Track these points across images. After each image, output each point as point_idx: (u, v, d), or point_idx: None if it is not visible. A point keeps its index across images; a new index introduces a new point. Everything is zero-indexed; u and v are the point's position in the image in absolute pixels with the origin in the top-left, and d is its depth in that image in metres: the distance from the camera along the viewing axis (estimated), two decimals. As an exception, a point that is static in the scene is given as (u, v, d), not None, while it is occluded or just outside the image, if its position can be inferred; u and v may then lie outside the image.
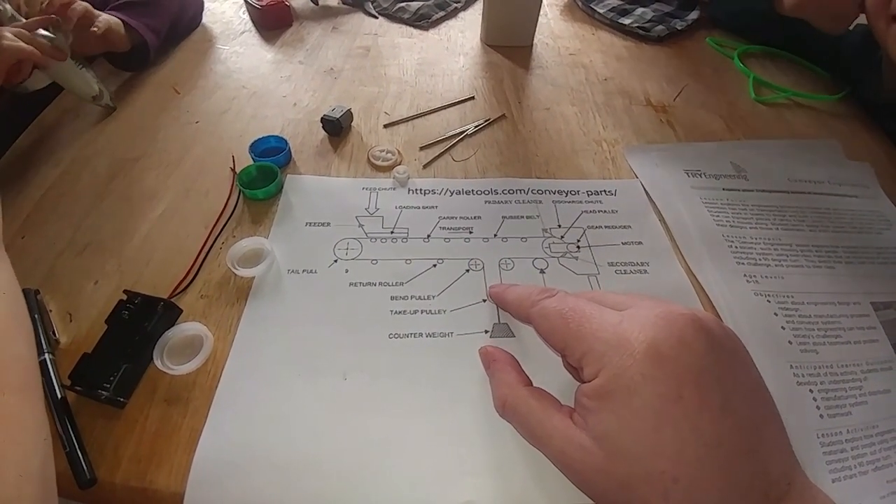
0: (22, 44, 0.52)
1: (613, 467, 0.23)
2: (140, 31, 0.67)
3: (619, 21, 0.85)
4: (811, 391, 0.38)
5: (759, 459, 0.22)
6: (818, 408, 0.37)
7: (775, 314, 0.42)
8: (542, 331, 0.30)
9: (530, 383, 0.31)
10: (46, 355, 0.37)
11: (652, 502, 0.21)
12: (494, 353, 0.31)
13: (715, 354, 0.23)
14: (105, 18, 0.63)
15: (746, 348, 0.26)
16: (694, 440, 0.21)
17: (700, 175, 0.56)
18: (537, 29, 0.79)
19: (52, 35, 0.56)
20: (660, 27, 0.82)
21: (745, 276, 0.45)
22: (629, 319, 0.25)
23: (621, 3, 0.88)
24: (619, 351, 0.24)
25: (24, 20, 0.57)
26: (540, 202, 0.52)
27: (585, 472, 0.24)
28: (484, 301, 0.43)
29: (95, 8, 0.65)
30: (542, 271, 0.45)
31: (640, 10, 0.86)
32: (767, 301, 0.43)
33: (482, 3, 0.78)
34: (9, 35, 0.52)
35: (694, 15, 0.84)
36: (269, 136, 0.57)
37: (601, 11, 0.87)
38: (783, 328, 0.41)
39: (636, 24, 0.83)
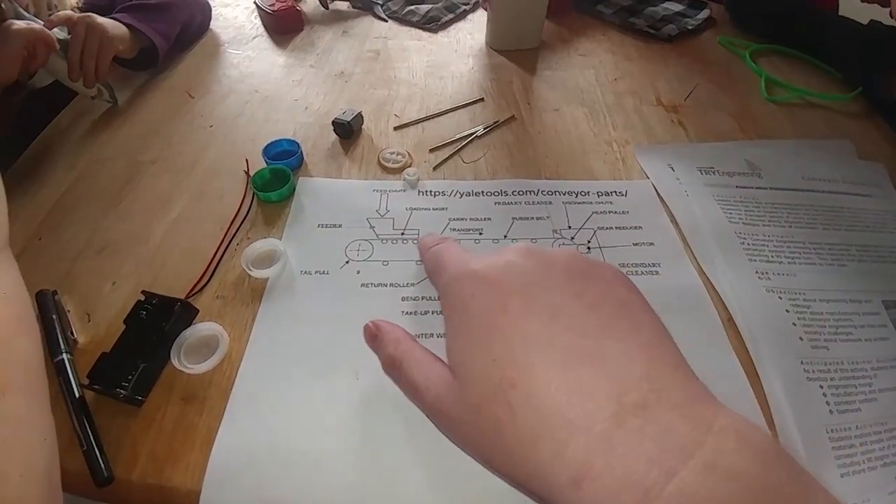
0: (32, 26, 0.55)
1: (466, 391, 0.22)
2: (149, 35, 0.68)
3: (630, 21, 0.84)
4: (821, 387, 0.38)
5: (603, 362, 0.20)
6: (828, 403, 0.37)
7: (787, 311, 0.42)
8: (426, 270, 0.31)
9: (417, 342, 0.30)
10: (64, 355, 0.38)
11: (501, 417, 0.20)
12: (378, 323, 0.30)
13: (545, 272, 0.23)
14: (110, 34, 0.63)
15: (632, 283, 0.25)
16: (523, 342, 0.21)
17: (714, 172, 0.55)
18: (545, 30, 0.79)
19: (64, 36, 0.59)
20: (670, 26, 0.82)
21: (756, 272, 0.45)
22: (474, 258, 0.26)
23: (631, 2, 0.88)
24: (456, 279, 0.25)
25: (39, 22, 0.59)
26: (550, 203, 0.52)
27: (451, 411, 0.23)
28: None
29: (103, 10, 0.67)
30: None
31: (650, 10, 0.86)
32: (779, 298, 0.43)
33: (487, 10, 0.79)
34: (20, 22, 0.53)
35: (704, 14, 0.84)
36: (281, 140, 0.57)
37: (609, 12, 0.87)
38: (794, 325, 0.41)
39: (647, 24, 0.83)
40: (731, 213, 0.50)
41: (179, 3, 0.75)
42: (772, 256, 0.46)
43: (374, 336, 0.30)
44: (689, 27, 0.82)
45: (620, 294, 0.24)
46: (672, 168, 0.56)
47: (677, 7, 0.86)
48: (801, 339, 0.40)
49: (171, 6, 0.74)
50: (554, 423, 0.19)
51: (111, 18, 0.66)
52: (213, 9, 0.87)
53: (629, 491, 0.17)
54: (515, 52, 0.79)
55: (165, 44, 0.71)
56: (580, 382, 0.19)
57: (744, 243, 0.47)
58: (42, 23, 0.60)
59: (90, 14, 0.62)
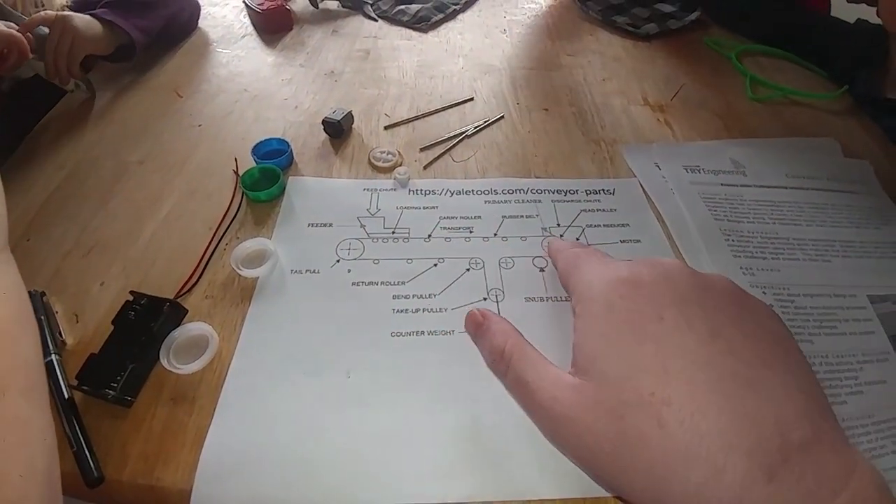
0: (11, 31, 0.56)
1: (603, 395, 0.21)
2: (126, 30, 0.69)
3: (612, 19, 0.85)
4: (807, 381, 0.38)
5: (766, 393, 0.19)
6: (813, 397, 0.37)
7: (771, 305, 0.43)
8: (558, 272, 0.30)
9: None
10: (53, 356, 0.38)
11: (646, 431, 0.19)
12: (486, 312, 0.29)
13: (703, 292, 0.23)
14: (83, 35, 0.64)
15: (782, 319, 0.24)
16: (680, 356, 0.20)
17: (699, 171, 0.56)
18: (534, 31, 0.80)
19: (44, 30, 0.61)
20: (651, 25, 0.83)
21: (741, 268, 0.46)
22: (621, 263, 0.26)
23: (620, 1, 0.89)
24: (603, 280, 0.24)
25: (24, 18, 0.59)
26: (539, 201, 0.53)
27: (578, 414, 0.21)
28: (484, 299, 0.43)
29: (87, 9, 0.68)
30: (541, 270, 0.46)
31: (636, 9, 0.87)
32: (763, 293, 0.44)
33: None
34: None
35: (693, 16, 0.85)
36: (271, 139, 0.57)
37: (596, 8, 0.87)
38: (779, 319, 0.42)
39: (628, 22, 0.84)
40: (716, 211, 0.51)
41: (163, 0, 0.75)
42: (756, 252, 0.47)
43: (478, 325, 0.28)
44: (673, 27, 0.83)
45: (774, 328, 0.23)
46: (658, 167, 0.57)
47: (668, 8, 0.87)
48: (785, 333, 0.41)
49: (154, 2, 0.74)
50: (713, 445, 0.18)
51: (91, 14, 0.67)
52: (202, 8, 0.87)
53: None
54: (508, 52, 0.79)
55: (144, 38, 0.71)
56: (744, 410, 0.19)
57: (728, 240, 0.48)
58: (26, 19, 0.61)
59: (67, 15, 0.63)
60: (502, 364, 0.26)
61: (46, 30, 0.62)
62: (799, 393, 0.20)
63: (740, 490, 0.18)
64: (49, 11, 0.64)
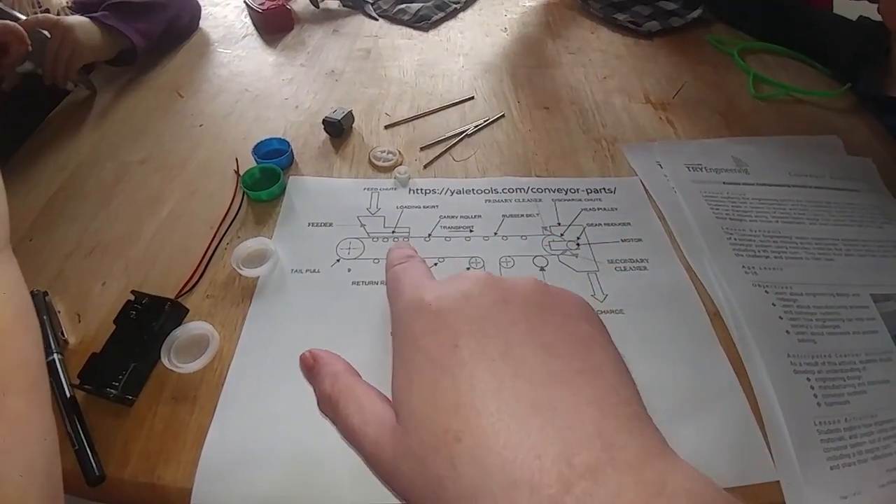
0: (11, 23, 0.57)
1: (410, 439, 0.20)
2: (128, 35, 0.69)
3: (613, 16, 0.85)
4: (808, 379, 0.38)
5: (551, 415, 0.18)
6: (815, 396, 0.37)
7: (773, 304, 0.43)
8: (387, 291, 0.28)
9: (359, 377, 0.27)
10: (55, 355, 0.38)
11: (443, 474, 0.18)
12: (316, 353, 0.27)
13: (502, 306, 0.22)
14: (83, 44, 0.65)
15: (595, 316, 0.23)
16: (469, 389, 0.19)
17: (701, 169, 0.56)
18: (535, 29, 0.79)
19: (45, 35, 0.61)
20: (652, 23, 0.82)
21: (743, 267, 0.46)
22: (430, 286, 0.24)
23: (622, -1, 0.89)
24: (408, 310, 0.23)
25: (22, 17, 0.61)
26: (540, 200, 0.53)
27: (391, 460, 0.21)
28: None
29: (88, 11, 0.68)
30: (542, 269, 0.46)
31: (638, 7, 0.87)
32: (765, 292, 0.44)
33: None
34: None
35: (695, 14, 0.84)
36: (271, 139, 0.58)
37: (597, 6, 0.87)
38: (781, 318, 0.42)
39: (629, 20, 0.84)
40: (718, 209, 0.51)
41: (165, 3, 0.75)
42: (758, 251, 0.47)
43: (310, 367, 0.26)
44: (676, 25, 0.83)
45: (580, 330, 0.22)
46: (660, 165, 0.56)
47: (670, 6, 0.87)
48: (787, 332, 0.41)
49: (155, 5, 0.74)
50: (500, 483, 0.17)
51: (92, 17, 0.67)
52: (203, 8, 0.87)
53: None
54: (506, 50, 0.79)
55: (145, 43, 0.71)
56: (528, 438, 0.18)
57: (731, 238, 0.48)
58: (24, 18, 0.62)
59: (68, 24, 0.63)
60: (330, 409, 0.24)
61: (46, 33, 0.62)
62: (592, 406, 0.19)
63: None
64: (49, 15, 0.65)
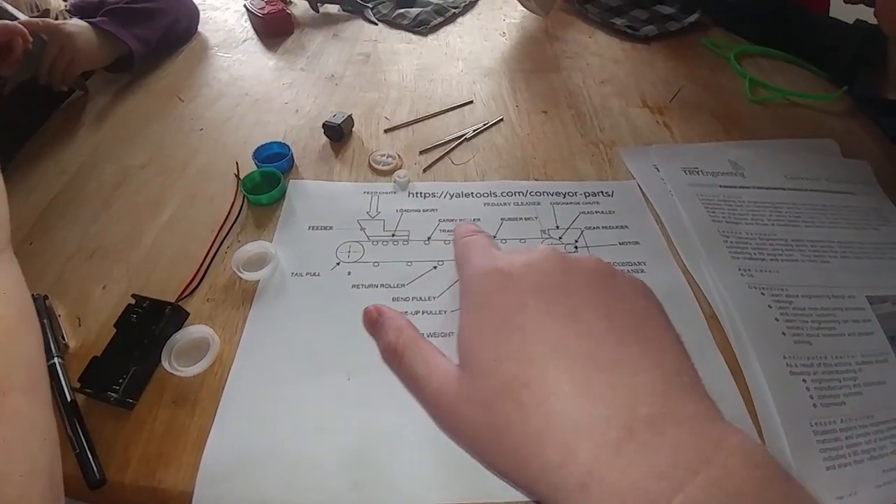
0: (12, 23, 0.58)
1: (477, 386, 0.22)
2: (126, 41, 0.69)
3: (611, 21, 0.86)
4: (804, 381, 0.39)
5: (618, 372, 0.20)
6: (811, 397, 0.38)
7: (769, 306, 0.43)
8: (455, 260, 0.30)
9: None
10: (56, 359, 0.38)
11: (511, 416, 0.20)
12: (381, 308, 0.29)
13: (567, 275, 0.23)
14: (81, 53, 0.65)
15: (654, 296, 0.24)
16: (540, 342, 0.21)
17: (698, 172, 0.56)
18: (533, 33, 0.80)
19: (44, 39, 0.62)
20: (649, 27, 0.83)
21: (739, 269, 0.46)
22: (499, 255, 0.26)
23: (619, 3, 0.89)
24: (479, 273, 0.25)
25: (22, 15, 0.62)
26: (538, 204, 0.53)
27: (458, 405, 0.22)
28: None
29: (86, 14, 0.69)
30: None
31: (635, 11, 0.87)
32: (761, 294, 0.44)
33: None
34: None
35: (693, 18, 0.85)
36: (271, 143, 0.58)
37: (596, 11, 0.88)
38: (777, 320, 0.42)
39: (626, 24, 0.84)
40: (714, 213, 0.51)
41: (164, 8, 0.76)
42: (754, 254, 0.47)
43: (374, 321, 0.28)
44: (672, 29, 0.83)
45: (641, 306, 0.23)
46: (657, 169, 0.57)
47: (668, 10, 0.87)
48: (783, 334, 0.41)
49: (154, 11, 0.74)
50: (565, 425, 0.19)
51: (90, 22, 0.67)
52: (203, 12, 0.88)
53: (636, 500, 0.17)
54: (504, 53, 0.79)
55: (143, 48, 0.72)
56: (595, 389, 0.19)
57: (727, 241, 0.48)
58: (23, 17, 0.63)
59: (67, 32, 0.64)
60: (395, 359, 0.26)
61: (44, 37, 0.63)
62: (655, 370, 0.20)
63: (588, 468, 0.18)
64: (50, 21, 0.65)
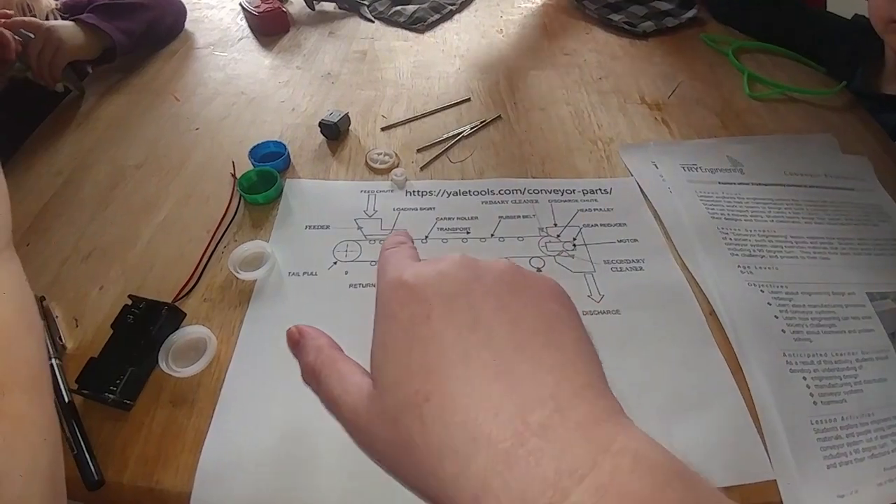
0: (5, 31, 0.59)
1: (384, 402, 0.22)
2: (109, 33, 0.70)
3: (608, 17, 0.85)
4: (804, 378, 0.38)
5: (512, 380, 0.20)
6: (811, 395, 0.38)
7: (768, 304, 0.43)
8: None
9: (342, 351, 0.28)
10: (53, 360, 0.38)
11: (413, 430, 0.20)
12: (302, 328, 0.28)
13: (473, 283, 0.23)
14: (66, 45, 0.66)
15: (565, 296, 0.24)
16: (440, 355, 0.21)
17: (696, 169, 0.56)
18: (531, 30, 0.80)
19: (30, 35, 0.63)
20: (647, 23, 0.83)
21: (738, 266, 0.46)
22: (410, 266, 0.25)
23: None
24: (389, 286, 0.24)
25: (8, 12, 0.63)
26: (536, 202, 0.53)
27: (368, 423, 0.22)
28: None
29: (77, 13, 0.70)
30: (538, 270, 0.46)
31: (633, 7, 0.87)
32: (761, 291, 0.44)
33: None
34: None
35: (691, 13, 0.85)
36: (268, 142, 0.58)
37: (593, 7, 0.87)
38: (776, 317, 0.42)
39: (624, 20, 0.84)
40: (713, 209, 0.51)
41: (147, 3, 0.76)
42: (753, 251, 0.47)
43: (296, 342, 0.28)
44: (670, 25, 0.83)
45: (548, 308, 0.23)
46: (656, 165, 0.57)
47: (666, 6, 0.87)
48: (783, 331, 0.41)
49: (136, 5, 0.75)
50: (461, 438, 0.19)
51: (76, 19, 0.69)
52: (198, 11, 0.87)
53: None
54: (501, 51, 0.79)
55: (126, 40, 0.72)
56: (489, 399, 0.19)
57: (726, 238, 0.48)
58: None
59: (52, 26, 0.65)
60: (314, 380, 0.26)
61: (31, 35, 0.64)
62: (549, 374, 0.20)
63: (482, 480, 0.18)
64: (35, 19, 0.67)
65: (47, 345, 0.39)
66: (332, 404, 0.24)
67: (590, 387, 0.20)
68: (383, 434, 0.21)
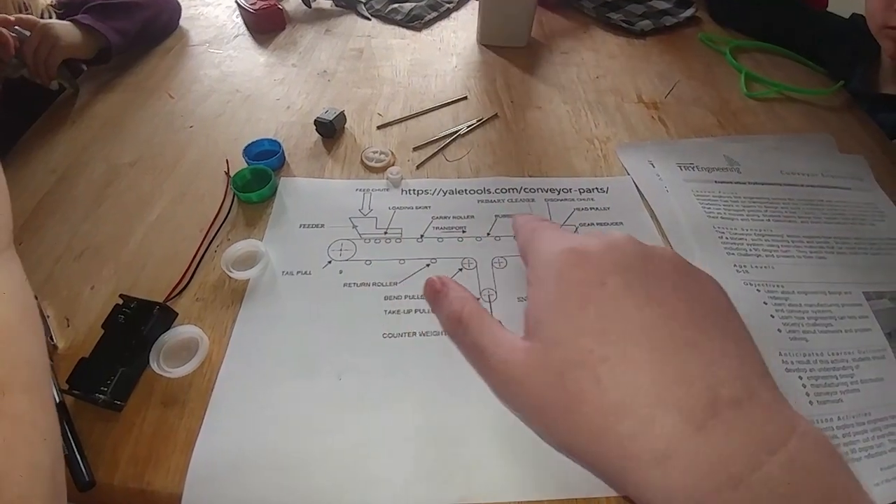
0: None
1: (549, 356, 0.22)
2: (104, 32, 0.69)
3: (607, 16, 0.85)
4: (800, 378, 0.38)
5: (698, 354, 0.20)
6: (808, 394, 0.37)
7: (764, 303, 0.43)
8: (518, 246, 0.31)
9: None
10: (44, 360, 0.37)
11: (585, 388, 0.21)
12: (445, 279, 0.29)
13: (645, 261, 0.24)
14: (62, 42, 0.66)
15: (725, 292, 0.25)
16: (619, 318, 0.21)
17: (693, 168, 0.56)
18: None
19: (25, 33, 0.63)
20: (645, 22, 0.83)
21: (734, 266, 0.46)
22: (573, 235, 0.26)
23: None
24: (553, 250, 0.25)
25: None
26: (532, 200, 0.52)
27: (526, 376, 0.23)
28: (477, 299, 0.43)
29: (72, 9, 0.71)
30: (534, 268, 0.46)
31: (631, 6, 0.87)
32: (757, 290, 0.44)
33: (478, 4, 0.79)
34: None
35: (689, 12, 0.84)
36: (262, 140, 0.57)
37: (591, 6, 0.87)
38: (772, 316, 0.42)
39: (622, 19, 0.84)
40: (709, 208, 0.51)
41: (142, 2, 0.76)
42: (749, 250, 0.47)
43: (437, 291, 0.28)
44: (668, 24, 0.83)
45: (717, 299, 0.24)
46: (652, 164, 0.56)
47: (664, 5, 0.87)
48: (779, 330, 0.41)
49: (131, 5, 0.74)
50: (646, 400, 0.20)
51: (72, 20, 0.68)
52: (193, 8, 0.87)
53: (714, 474, 0.18)
54: (499, 50, 0.79)
55: (120, 40, 0.72)
56: (678, 368, 0.20)
57: (722, 237, 0.48)
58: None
59: (47, 24, 0.65)
60: (459, 329, 0.26)
61: (27, 33, 0.64)
62: (734, 357, 0.21)
63: (668, 441, 0.19)
64: (31, 17, 0.66)
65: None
66: (479, 354, 0.25)
67: (767, 376, 0.22)
68: (545, 387, 0.22)
